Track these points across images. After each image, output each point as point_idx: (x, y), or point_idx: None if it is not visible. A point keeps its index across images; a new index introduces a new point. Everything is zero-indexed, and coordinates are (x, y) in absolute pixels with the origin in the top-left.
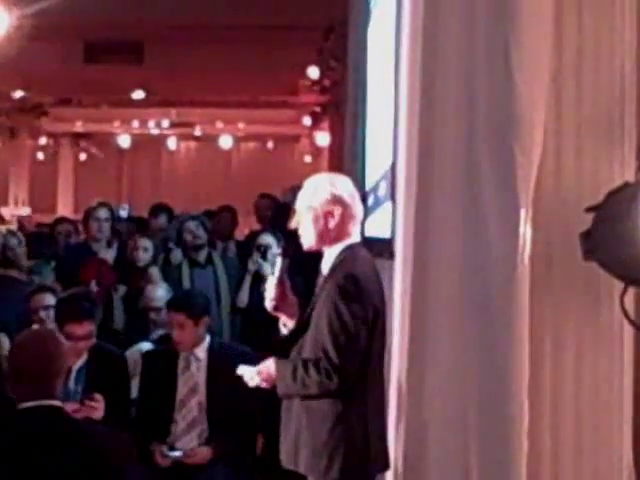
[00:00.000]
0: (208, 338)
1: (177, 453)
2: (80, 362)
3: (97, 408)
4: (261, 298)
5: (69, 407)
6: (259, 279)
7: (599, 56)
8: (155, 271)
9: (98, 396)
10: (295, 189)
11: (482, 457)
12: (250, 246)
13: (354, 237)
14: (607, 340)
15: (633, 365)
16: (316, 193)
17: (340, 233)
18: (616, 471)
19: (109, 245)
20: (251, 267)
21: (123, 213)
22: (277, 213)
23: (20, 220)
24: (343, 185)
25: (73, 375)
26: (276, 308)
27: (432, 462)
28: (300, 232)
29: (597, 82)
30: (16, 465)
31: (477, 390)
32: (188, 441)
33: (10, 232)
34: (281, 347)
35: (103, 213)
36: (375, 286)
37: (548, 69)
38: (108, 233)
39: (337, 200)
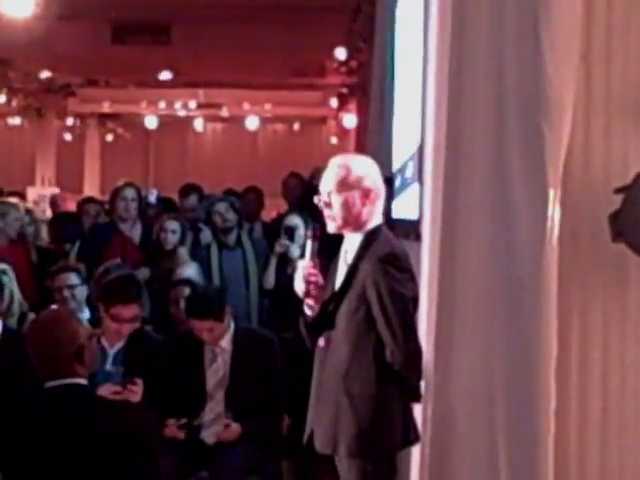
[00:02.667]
0: (232, 326)
1: (183, 420)
2: (119, 345)
3: (136, 392)
4: (288, 280)
5: (109, 389)
6: (285, 261)
7: (628, 35)
8: (184, 251)
9: (139, 380)
10: (322, 170)
11: (509, 440)
12: (277, 228)
13: (376, 220)
14: (635, 321)
15: None
16: (341, 176)
17: (371, 216)
18: None
19: (135, 225)
20: (278, 249)
21: (152, 198)
22: (306, 194)
23: (53, 199)
24: (368, 166)
25: (111, 357)
26: (308, 292)
27: (459, 445)
28: (330, 212)
29: (626, 62)
30: (43, 443)
31: (504, 373)
32: (215, 431)
33: (26, 210)
34: (312, 329)
35: (130, 193)
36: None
37: (577, 48)
38: (135, 213)
39: (374, 183)
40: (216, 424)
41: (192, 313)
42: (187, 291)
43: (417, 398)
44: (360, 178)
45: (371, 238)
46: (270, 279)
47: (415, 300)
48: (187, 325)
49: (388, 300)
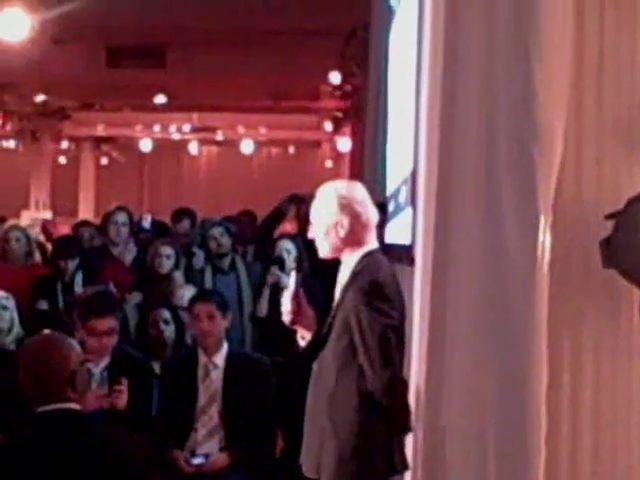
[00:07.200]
0: (226, 345)
1: (200, 459)
2: (103, 364)
3: (121, 391)
4: (279, 309)
5: (95, 395)
6: (278, 290)
7: (620, 62)
8: (179, 275)
9: (124, 380)
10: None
11: (500, 462)
12: (270, 250)
13: (371, 244)
14: (626, 348)
15: None
16: (323, 204)
17: (354, 241)
18: (634, 478)
19: (127, 249)
20: (269, 280)
21: (146, 224)
22: (268, 218)
23: (44, 225)
24: (351, 192)
25: (97, 377)
26: (293, 321)
27: (450, 467)
28: (316, 243)
29: (618, 88)
30: (34, 469)
31: (495, 396)
32: (209, 448)
33: (14, 227)
34: (300, 359)
35: (121, 217)
36: (396, 294)
37: (569, 75)
38: (126, 237)
39: (344, 209)
40: (210, 440)
41: (195, 299)
42: (167, 314)
43: (404, 430)
44: (339, 206)
45: (359, 266)
46: (263, 308)
47: (397, 328)
48: (164, 348)
49: (368, 329)
